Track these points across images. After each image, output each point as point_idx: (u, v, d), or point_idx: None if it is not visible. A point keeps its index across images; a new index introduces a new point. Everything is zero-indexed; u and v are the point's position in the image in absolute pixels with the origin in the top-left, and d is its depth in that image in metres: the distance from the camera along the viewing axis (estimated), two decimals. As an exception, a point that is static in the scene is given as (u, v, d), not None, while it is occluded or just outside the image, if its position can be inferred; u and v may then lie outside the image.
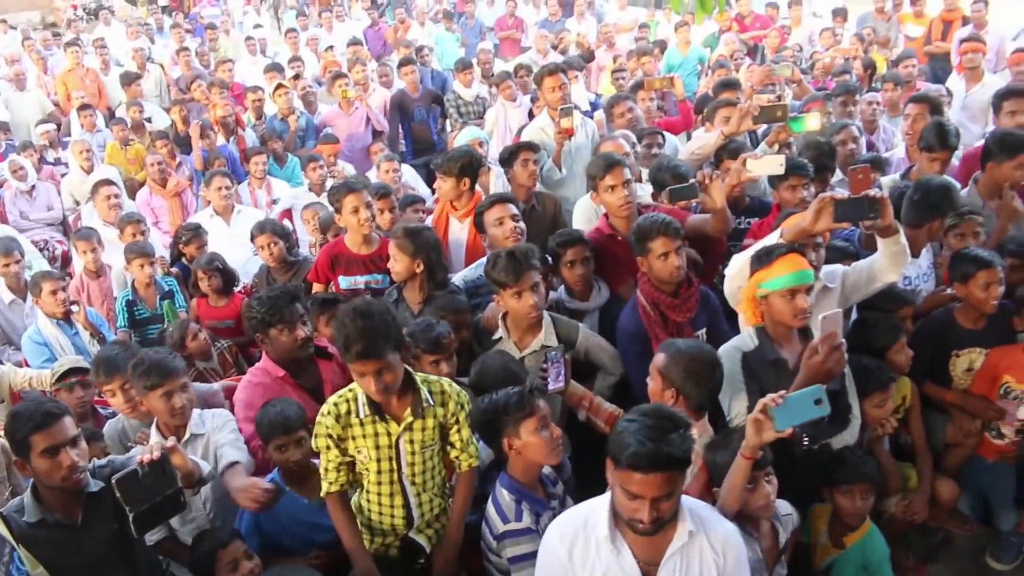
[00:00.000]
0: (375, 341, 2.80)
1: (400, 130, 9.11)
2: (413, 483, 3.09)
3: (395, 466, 3.07)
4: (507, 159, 5.30)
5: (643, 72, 9.10)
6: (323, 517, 3.40)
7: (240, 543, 3.14)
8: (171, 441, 2.78)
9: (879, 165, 5.31)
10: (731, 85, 6.60)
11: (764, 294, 3.37)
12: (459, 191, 4.89)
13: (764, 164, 4.36)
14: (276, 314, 3.70)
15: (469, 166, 4.88)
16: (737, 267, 3.70)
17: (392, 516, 3.17)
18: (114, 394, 3.96)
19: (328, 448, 3.06)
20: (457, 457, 3.15)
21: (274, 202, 7.43)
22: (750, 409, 3.27)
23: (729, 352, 3.43)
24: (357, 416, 3.02)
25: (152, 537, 3.33)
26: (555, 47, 11.29)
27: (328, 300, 4.22)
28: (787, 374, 3.29)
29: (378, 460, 3.06)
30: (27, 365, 5.35)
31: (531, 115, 8.17)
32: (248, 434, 3.62)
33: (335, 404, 3.05)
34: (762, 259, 3.39)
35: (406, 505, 3.14)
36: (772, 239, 3.56)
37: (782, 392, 2.72)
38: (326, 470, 3.11)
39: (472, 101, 9.12)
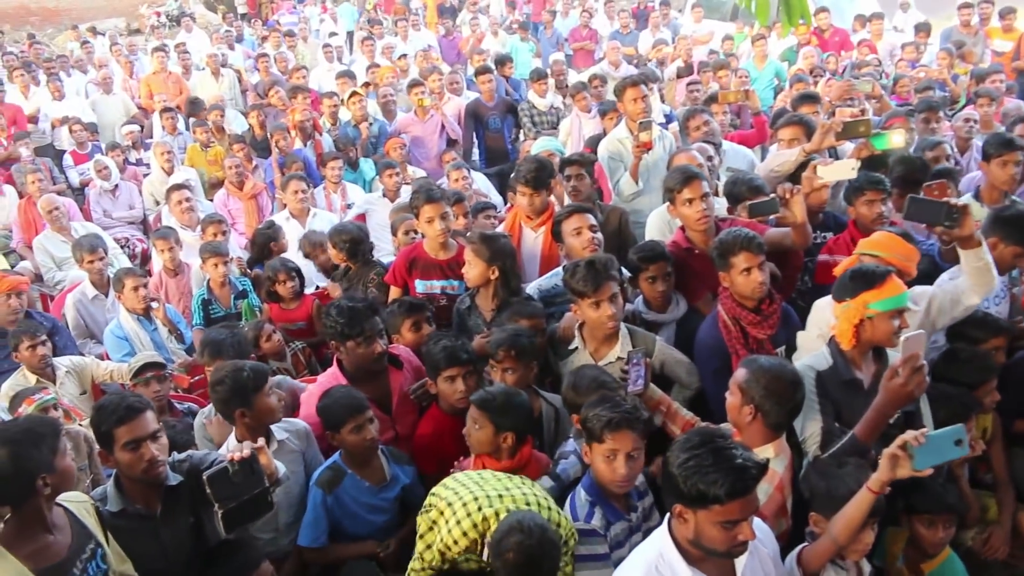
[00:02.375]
0: None
1: (474, 138, 9.17)
2: None
3: None
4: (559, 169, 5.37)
5: (719, 85, 9.02)
6: (383, 499, 3.52)
7: (268, 565, 3.13)
8: (260, 441, 2.81)
9: (952, 177, 5.14)
10: (810, 99, 6.45)
11: (873, 315, 3.26)
12: (544, 202, 4.91)
13: (835, 170, 4.27)
14: (356, 327, 3.70)
15: (549, 176, 4.90)
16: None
17: None
18: None
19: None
20: None
21: (348, 206, 7.53)
22: (824, 429, 3.24)
23: (803, 371, 3.32)
24: None
25: None
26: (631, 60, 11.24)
27: (415, 305, 4.22)
28: (862, 395, 3.23)
29: None
30: (108, 358, 5.50)
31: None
32: None
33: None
34: (869, 279, 3.26)
35: None
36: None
37: (924, 430, 2.62)
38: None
39: (546, 111, 9.12)
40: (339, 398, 3.46)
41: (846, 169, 4.23)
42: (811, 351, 3.64)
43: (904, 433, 2.62)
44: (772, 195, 4.12)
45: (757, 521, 2.56)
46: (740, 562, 2.51)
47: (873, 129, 4.94)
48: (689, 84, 9.05)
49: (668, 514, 2.54)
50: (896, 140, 4.83)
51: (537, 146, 6.49)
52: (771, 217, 4.27)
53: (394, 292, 4.74)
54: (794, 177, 4.94)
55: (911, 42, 10.70)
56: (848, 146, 5.24)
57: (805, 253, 4.46)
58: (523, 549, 2.65)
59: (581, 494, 3.03)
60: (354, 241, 5.31)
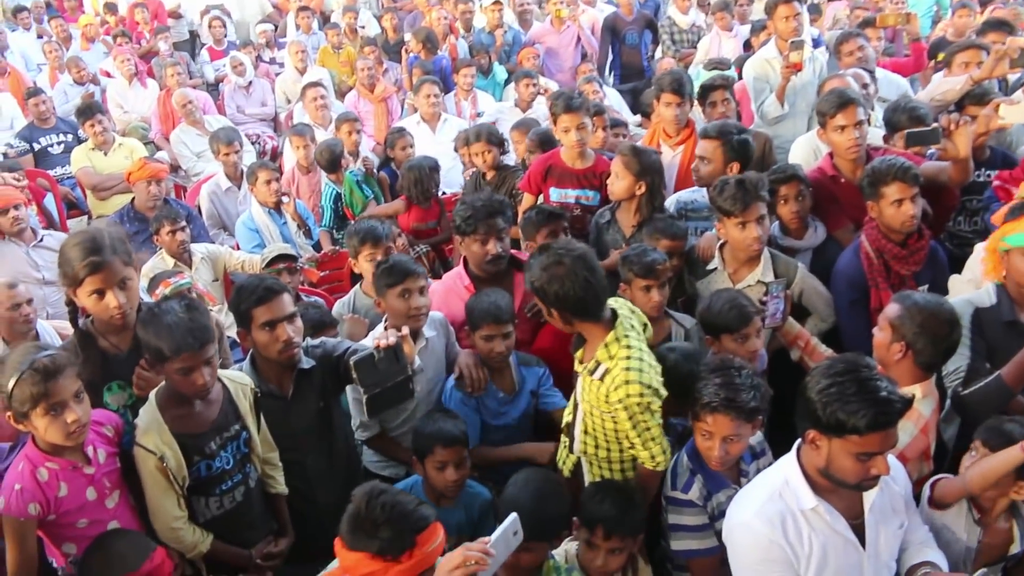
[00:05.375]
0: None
1: (610, 53, 8.87)
2: (585, 420, 2.93)
3: (576, 394, 2.98)
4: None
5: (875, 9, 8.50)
6: (512, 410, 3.52)
7: (463, 448, 3.09)
8: (404, 331, 2.79)
9: None
10: (1001, 26, 5.93)
11: (1006, 248, 3.12)
12: (687, 115, 4.77)
13: (1021, 111, 3.93)
14: (472, 225, 3.67)
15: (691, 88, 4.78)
16: None
17: (568, 414, 3.08)
18: (373, 259, 4.04)
19: None
20: (633, 455, 2.89)
21: (478, 115, 7.45)
22: (970, 366, 3.10)
23: (960, 305, 3.17)
24: None
25: (363, 434, 3.46)
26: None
27: (553, 214, 4.12)
28: (1022, 340, 3.02)
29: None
30: (238, 249, 5.63)
31: (747, 46, 7.82)
32: None
33: None
34: (1014, 212, 3.15)
35: (574, 419, 3.01)
36: None
37: None
38: None
39: (687, 29, 8.78)
40: (484, 303, 3.42)
41: None
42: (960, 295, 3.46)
43: None
44: (934, 125, 3.86)
45: (891, 458, 2.45)
46: (869, 497, 2.43)
47: None
48: (855, 8, 8.53)
49: (799, 440, 2.46)
50: None
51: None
52: (931, 150, 4.01)
53: (527, 200, 4.66)
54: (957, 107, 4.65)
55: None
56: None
57: (964, 192, 4.20)
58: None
59: (683, 459, 2.87)
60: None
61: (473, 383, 3.39)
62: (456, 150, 6.03)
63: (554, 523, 2.71)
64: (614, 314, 2.79)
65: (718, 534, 2.75)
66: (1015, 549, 2.76)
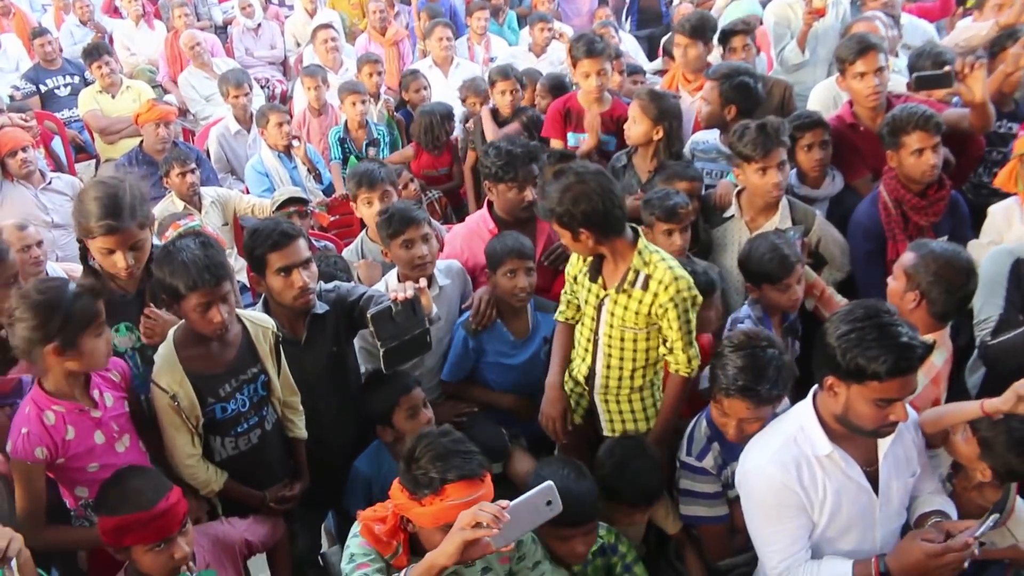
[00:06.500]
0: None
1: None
2: (608, 354, 2.95)
3: (596, 326, 2.95)
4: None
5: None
6: (520, 354, 3.48)
7: (420, 391, 3.12)
8: (422, 283, 2.76)
9: None
10: None
11: None
12: (702, 58, 4.70)
13: None
14: (510, 171, 3.60)
15: (711, 30, 4.71)
16: None
17: (581, 363, 3.07)
18: (371, 203, 4.01)
19: (571, 282, 3.06)
20: (665, 356, 2.90)
21: (491, 59, 7.33)
22: (1002, 317, 3.06)
23: (1000, 253, 3.16)
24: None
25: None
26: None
27: (565, 155, 4.07)
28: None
29: (587, 313, 2.98)
30: (248, 193, 5.57)
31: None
32: None
33: None
34: None
35: (593, 362, 3.02)
36: None
37: None
38: (565, 301, 3.13)
39: (707, -27, 8.58)
40: (509, 240, 3.38)
41: None
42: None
43: None
44: (946, 68, 3.79)
45: (908, 406, 2.42)
46: (883, 445, 2.41)
47: None
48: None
49: (815, 387, 2.43)
50: None
51: (740, 8, 6.02)
52: (955, 99, 3.93)
53: (554, 144, 4.60)
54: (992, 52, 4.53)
55: None
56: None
57: (992, 142, 4.13)
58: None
59: (702, 425, 2.84)
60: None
61: (478, 316, 3.37)
62: (462, 101, 5.84)
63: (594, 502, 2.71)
64: (633, 229, 2.81)
65: (729, 502, 2.76)
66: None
